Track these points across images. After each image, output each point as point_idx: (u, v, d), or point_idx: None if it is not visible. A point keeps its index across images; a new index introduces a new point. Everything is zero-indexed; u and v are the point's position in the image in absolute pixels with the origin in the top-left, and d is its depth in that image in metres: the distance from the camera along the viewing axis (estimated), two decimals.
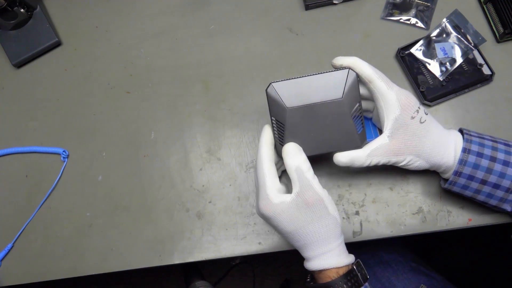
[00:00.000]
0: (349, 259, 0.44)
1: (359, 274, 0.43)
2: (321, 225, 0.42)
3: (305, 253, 0.44)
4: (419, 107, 0.44)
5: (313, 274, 0.46)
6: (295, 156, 0.43)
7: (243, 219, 0.54)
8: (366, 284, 0.43)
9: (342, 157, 0.45)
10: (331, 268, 0.42)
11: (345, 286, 0.41)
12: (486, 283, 1.10)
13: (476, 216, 0.50)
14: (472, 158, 0.43)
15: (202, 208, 0.55)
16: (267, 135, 0.45)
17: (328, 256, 0.42)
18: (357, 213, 0.52)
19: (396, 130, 0.44)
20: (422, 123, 0.44)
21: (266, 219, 0.44)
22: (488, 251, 1.15)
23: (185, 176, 0.56)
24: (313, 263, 0.43)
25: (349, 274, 0.42)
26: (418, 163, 0.45)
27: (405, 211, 0.52)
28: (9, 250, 0.56)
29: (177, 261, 0.53)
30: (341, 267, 0.42)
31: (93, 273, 0.54)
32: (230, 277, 1.25)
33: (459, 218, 0.51)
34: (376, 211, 0.52)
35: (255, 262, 1.27)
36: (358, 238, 0.51)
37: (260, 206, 0.43)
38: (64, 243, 0.55)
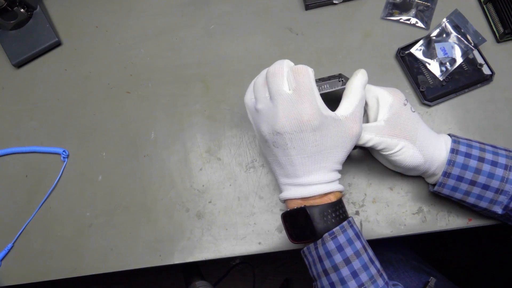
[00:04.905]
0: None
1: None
2: (345, 152, 0.43)
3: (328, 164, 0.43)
4: (406, 99, 0.46)
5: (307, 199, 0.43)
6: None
7: (243, 219, 0.54)
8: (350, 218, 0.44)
9: None
10: (342, 192, 0.45)
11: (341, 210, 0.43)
12: (486, 282, 1.10)
13: (476, 216, 0.50)
14: (460, 159, 0.43)
15: (202, 208, 0.55)
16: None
17: (336, 183, 0.44)
18: (357, 213, 0.52)
19: (392, 116, 0.44)
20: (413, 112, 0.45)
21: (311, 128, 0.40)
22: (488, 251, 1.15)
23: (185, 176, 0.56)
24: (331, 183, 0.43)
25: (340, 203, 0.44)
26: (411, 151, 0.44)
27: (405, 211, 0.52)
28: (9, 250, 0.56)
29: (177, 261, 0.53)
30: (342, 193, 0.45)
31: (93, 273, 0.54)
32: (230, 277, 1.25)
33: (459, 218, 0.51)
34: (376, 211, 0.52)
35: (255, 262, 1.27)
36: None
37: (309, 113, 0.40)
38: (64, 243, 0.55)
